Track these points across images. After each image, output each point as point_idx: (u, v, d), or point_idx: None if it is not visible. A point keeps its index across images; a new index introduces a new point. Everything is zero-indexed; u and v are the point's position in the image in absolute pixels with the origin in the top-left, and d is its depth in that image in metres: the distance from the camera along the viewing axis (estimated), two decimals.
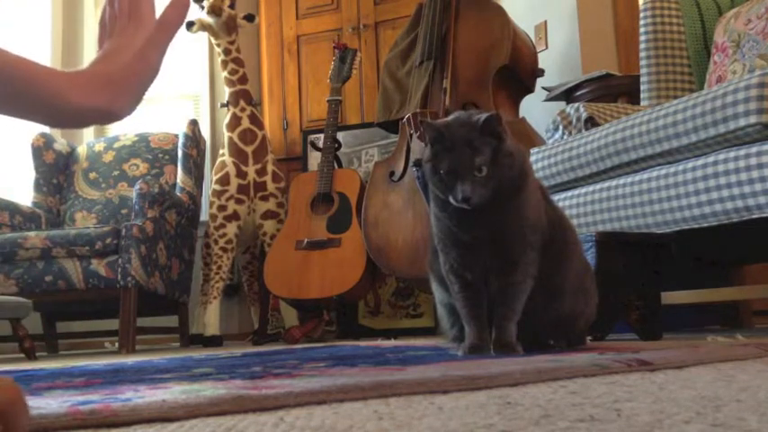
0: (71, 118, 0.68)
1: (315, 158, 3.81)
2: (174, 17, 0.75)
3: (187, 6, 0.76)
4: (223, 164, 3.64)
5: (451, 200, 1.20)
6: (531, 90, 3.29)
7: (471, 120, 1.21)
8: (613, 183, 1.96)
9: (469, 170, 1.18)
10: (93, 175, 3.76)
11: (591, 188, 2.04)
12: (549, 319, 1.34)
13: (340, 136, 3.63)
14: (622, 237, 1.82)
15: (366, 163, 3.85)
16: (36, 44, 4.27)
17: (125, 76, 0.70)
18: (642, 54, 2.50)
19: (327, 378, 0.86)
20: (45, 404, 0.69)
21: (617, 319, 1.78)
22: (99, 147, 3.85)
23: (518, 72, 3.17)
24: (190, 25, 3.56)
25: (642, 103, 2.50)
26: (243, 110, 3.66)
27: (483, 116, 1.20)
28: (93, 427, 0.58)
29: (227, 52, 3.65)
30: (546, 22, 3.51)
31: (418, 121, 3.06)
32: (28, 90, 0.64)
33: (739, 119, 1.59)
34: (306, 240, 3.29)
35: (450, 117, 1.28)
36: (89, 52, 4.42)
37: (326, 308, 3.37)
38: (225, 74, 3.69)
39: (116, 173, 3.74)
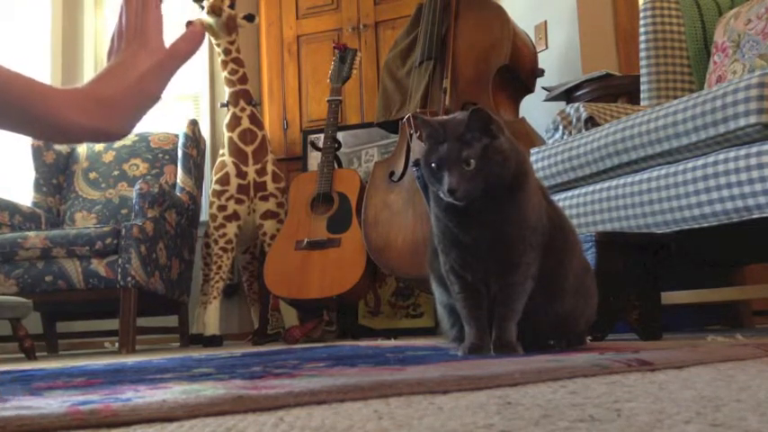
0: (67, 135, 0.67)
1: (315, 158, 3.81)
2: (185, 49, 0.74)
3: (200, 41, 0.76)
4: (223, 164, 3.64)
5: (440, 194, 1.21)
6: (531, 90, 3.29)
7: (465, 117, 1.22)
8: (613, 183, 1.96)
9: (456, 163, 1.18)
10: (93, 175, 3.76)
11: (591, 188, 2.04)
12: (549, 319, 1.34)
13: (340, 136, 3.63)
14: (622, 237, 1.82)
15: (366, 163, 3.85)
16: (36, 45, 4.27)
17: (124, 98, 0.69)
18: (642, 54, 2.50)
19: (327, 378, 0.86)
20: (45, 404, 0.69)
21: (617, 319, 1.78)
22: (99, 147, 3.85)
23: (518, 72, 3.17)
24: (189, 25, 3.56)
25: (642, 103, 2.50)
26: (243, 110, 3.66)
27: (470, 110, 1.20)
28: (93, 427, 0.58)
29: (227, 52, 3.65)
30: (546, 22, 3.51)
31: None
32: (23, 106, 0.64)
33: (739, 119, 1.59)
34: (306, 240, 3.29)
35: (451, 116, 1.29)
36: (89, 54, 4.42)
37: (326, 308, 3.37)
38: (225, 74, 3.69)
39: (116, 173, 3.74)
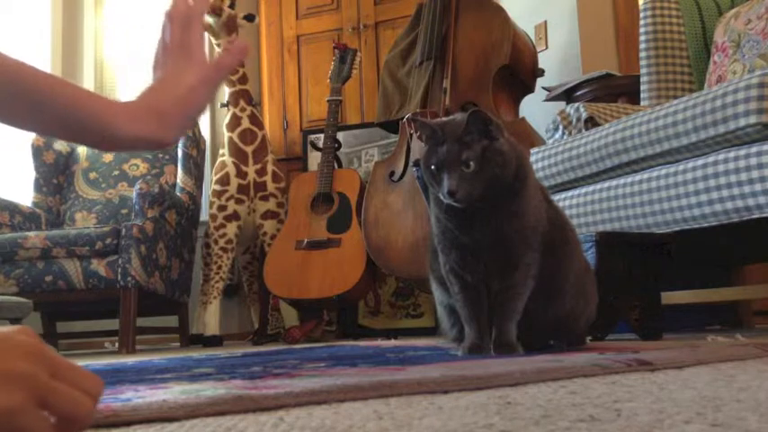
0: (122, 144, 0.73)
1: (315, 158, 3.81)
2: (230, 63, 0.81)
3: (243, 56, 0.82)
4: (223, 164, 3.64)
5: (440, 196, 1.21)
6: (531, 90, 3.29)
7: (464, 119, 1.22)
8: (613, 183, 1.96)
9: (456, 164, 1.18)
10: (93, 175, 3.76)
11: (591, 188, 2.04)
12: (550, 319, 1.34)
13: (340, 136, 3.63)
14: (622, 237, 1.82)
15: (366, 163, 3.85)
16: (36, 45, 4.26)
17: (175, 109, 0.75)
18: (642, 54, 2.50)
19: (327, 378, 0.86)
20: None
21: (617, 319, 1.78)
22: None
23: (518, 72, 3.17)
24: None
25: (642, 103, 2.50)
26: (243, 110, 3.66)
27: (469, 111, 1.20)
28: (93, 428, 0.58)
29: None
30: (546, 22, 3.51)
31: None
32: (86, 119, 0.69)
33: (739, 119, 1.59)
34: (306, 240, 3.29)
35: (449, 117, 1.28)
36: (89, 54, 4.42)
37: (326, 308, 3.37)
38: None
39: (116, 173, 3.74)
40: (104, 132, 0.71)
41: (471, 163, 1.17)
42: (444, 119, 1.28)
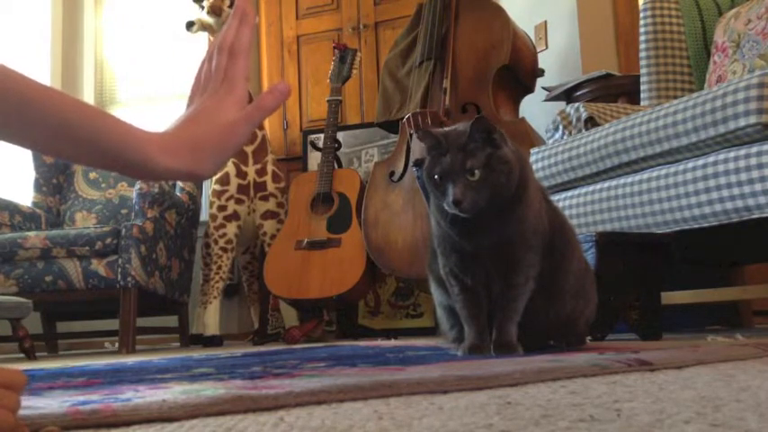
0: (157, 175, 0.72)
1: (315, 158, 3.81)
2: (272, 102, 0.81)
3: (286, 96, 0.81)
4: None
5: (445, 206, 1.20)
6: (531, 90, 3.29)
7: (467, 127, 1.21)
8: (613, 183, 1.96)
9: (461, 173, 1.17)
10: (93, 174, 3.76)
11: (591, 188, 2.04)
12: (550, 319, 1.33)
13: (340, 136, 3.63)
14: (622, 237, 1.82)
15: (366, 163, 3.85)
16: (36, 45, 4.26)
17: (213, 143, 0.74)
18: (642, 54, 2.50)
19: (327, 378, 0.86)
20: (45, 404, 0.69)
21: (617, 320, 1.78)
22: None
23: (518, 72, 3.17)
24: (190, 25, 3.56)
25: (642, 103, 2.50)
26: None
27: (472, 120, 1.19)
28: (93, 427, 0.58)
29: None
30: (546, 22, 3.51)
31: (418, 122, 3.06)
32: (121, 152, 0.69)
33: (739, 119, 1.59)
34: (306, 240, 3.29)
35: (451, 127, 1.28)
36: (89, 54, 4.42)
37: (326, 308, 3.37)
38: None
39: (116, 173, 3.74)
40: (137, 162, 0.69)
41: (476, 171, 1.16)
42: (447, 128, 1.27)
